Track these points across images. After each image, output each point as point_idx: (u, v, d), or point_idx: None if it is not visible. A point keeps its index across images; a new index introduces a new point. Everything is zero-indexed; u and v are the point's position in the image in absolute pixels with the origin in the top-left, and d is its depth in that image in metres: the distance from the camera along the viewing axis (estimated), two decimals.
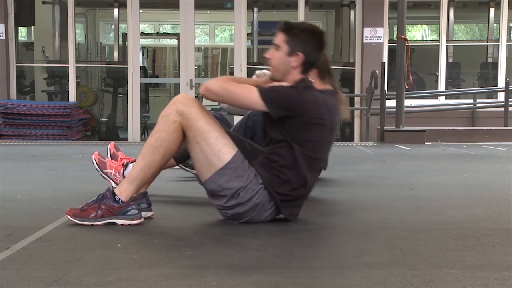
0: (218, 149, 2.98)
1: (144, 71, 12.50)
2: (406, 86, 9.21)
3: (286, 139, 3.04)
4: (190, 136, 2.99)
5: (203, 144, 2.98)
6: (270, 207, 3.06)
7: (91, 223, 2.94)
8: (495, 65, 12.27)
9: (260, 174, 3.04)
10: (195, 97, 11.18)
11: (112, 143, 3.94)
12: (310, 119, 3.04)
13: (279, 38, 3.13)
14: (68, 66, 11.04)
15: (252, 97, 3.00)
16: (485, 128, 10.19)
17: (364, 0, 11.02)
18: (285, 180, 3.04)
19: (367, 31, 10.98)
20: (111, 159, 3.80)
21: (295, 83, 3.09)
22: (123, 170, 3.66)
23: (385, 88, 9.64)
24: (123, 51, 13.03)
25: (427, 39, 16.27)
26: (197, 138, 2.98)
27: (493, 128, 10.15)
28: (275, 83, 3.13)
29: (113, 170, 3.67)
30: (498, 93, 12.00)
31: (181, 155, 3.86)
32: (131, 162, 3.70)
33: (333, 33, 14.57)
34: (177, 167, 4.30)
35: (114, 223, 2.95)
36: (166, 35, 15.66)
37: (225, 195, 3.00)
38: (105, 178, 3.69)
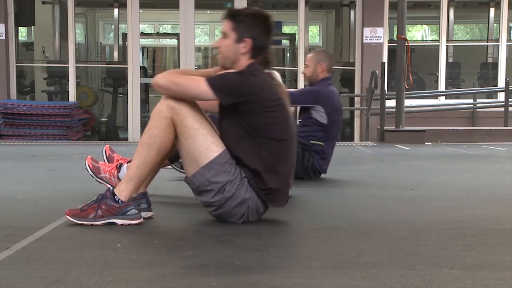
0: (205, 146, 2.98)
1: (144, 71, 12.50)
2: (406, 86, 9.21)
3: (244, 130, 3.02)
4: (179, 132, 3.00)
5: (191, 141, 2.98)
6: (260, 201, 3.05)
7: (90, 222, 2.94)
8: (495, 65, 12.28)
9: (242, 169, 3.04)
10: None
11: (107, 145, 3.95)
12: (265, 102, 3.03)
13: (226, 26, 3.14)
14: (68, 66, 11.04)
15: (200, 87, 2.99)
16: (485, 128, 10.20)
17: (364, 0, 11.02)
18: (255, 172, 3.03)
19: (367, 31, 10.98)
20: (108, 161, 3.80)
21: (243, 69, 3.09)
22: (118, 172, 3.67)
23: (385, 88, 9.64)
24: (123, 51, 13.04)
25: (427, 39, 16.27)
26: (186, 135, 2.99)
27: (493, 128, 10.15)
28: (224, 71, 3.13)
29: (108, 174, 3.68)
30: (498, 93, 12.00)
31: (175, 154, 3.86)
32: (126, 163, 3.70)
33: (333, 33, 14.58)
34: (169, 167, 4.30)
35: (114, 223, 2.95)
36: (166, 35, 15.66)
37: (212, 189, 3.00)
38: (101, 183, 3.70)
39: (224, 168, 2.99)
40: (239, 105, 3.01)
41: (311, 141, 4.78)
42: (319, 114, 4.78)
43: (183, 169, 4.57)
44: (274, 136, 3.04)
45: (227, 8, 3.17)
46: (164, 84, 3.01)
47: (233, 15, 3.13)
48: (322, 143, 4.80)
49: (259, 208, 3.07)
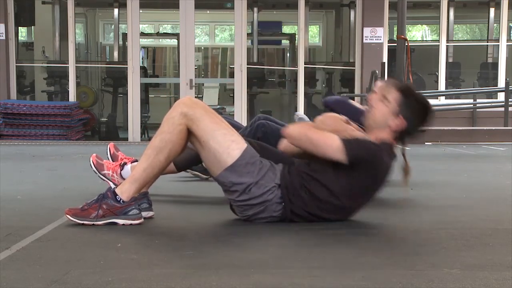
0: (226, 145, 2.97)
1: (144, 71, 12.50)
2: None
3: (337, 179, 3.01)
4: (198, 136, 2.98)
5: (211, 142, 2.97)
6: (279, 209, 3.04)
7: (92, 222, 2.94)
8: (495, 65, 12.27)
9: (283, 176, 3.03)
10: (195, 97, 11.18)
11: (112, 143, 3.93)
12: (377, 183, 3.05)
13: (393, 95, 3.11)
14: (68, 66, 11.04)
15: (334, 146, 2.96)
16: (485, 128, 10.19)
17: (364, 0, 11.02)
18: (305, 200, 3.03)
19: (367, 31, 10.98)
20: (111, 159, 3.80)
21: (379, 142, 3.06)
22: (120, 170, 3.67)
23: None
24: (123, 51, 13.04)
25: (427, 39, 16.27)
26: (204, 137, 2.97)
27: (493, 128, 10.14)
28: (358, 134, 3.12)
29: (111, 171, 3.68)
30: (498, 93, 11.99)
31: (184, 163, 3.87)
32: (130, 162, 3.70)
33: (333, 33, 14.58)
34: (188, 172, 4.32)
35: (115, 223, 2.95)
36: (166, 35, 15.65)
37: (236, 190, 3.00)
38: (103, 180, 3.70)
39: (247, 170, 2.98)
40: (357, 166, 2.98)
41: None
42: None
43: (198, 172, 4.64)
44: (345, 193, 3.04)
45: (402, 83, 3.11)
46: (297, 137, 3.03)
47: (407, 92, 3.12)
48: None
49: (273, 214, 3.06)
